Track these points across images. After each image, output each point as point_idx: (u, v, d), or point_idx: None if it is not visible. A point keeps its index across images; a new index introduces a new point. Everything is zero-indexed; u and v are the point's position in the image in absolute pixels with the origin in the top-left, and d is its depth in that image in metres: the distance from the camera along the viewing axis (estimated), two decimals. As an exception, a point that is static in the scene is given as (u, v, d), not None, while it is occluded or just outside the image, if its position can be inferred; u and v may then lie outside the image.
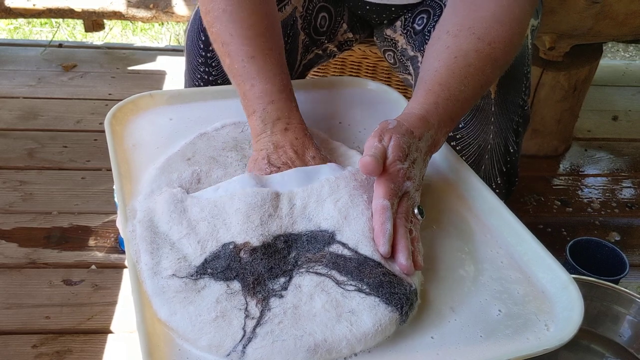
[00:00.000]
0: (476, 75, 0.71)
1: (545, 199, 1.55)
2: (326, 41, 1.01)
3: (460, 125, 0.84)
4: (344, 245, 0.61)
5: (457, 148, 0.86)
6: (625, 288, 0.94)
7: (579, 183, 1.62)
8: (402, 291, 0.56)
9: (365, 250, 0.60)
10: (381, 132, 0.64)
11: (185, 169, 0.70)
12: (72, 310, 1.17)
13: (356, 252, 0.60)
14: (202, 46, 0.89)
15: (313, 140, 0.72)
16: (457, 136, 0.85)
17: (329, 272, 0.58)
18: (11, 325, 1.13)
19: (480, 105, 0.83)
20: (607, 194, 1.59)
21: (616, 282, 1.08)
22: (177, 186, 0.68)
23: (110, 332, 1.14)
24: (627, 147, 1.78)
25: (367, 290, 0.57)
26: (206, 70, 0.90)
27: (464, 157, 0.86)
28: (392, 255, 0.61)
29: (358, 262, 0.59)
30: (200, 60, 0.90)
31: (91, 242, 1.32)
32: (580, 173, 1.67)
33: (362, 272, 0.58)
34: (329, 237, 0.61)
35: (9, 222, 1.35)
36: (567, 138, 1.72)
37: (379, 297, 0.56)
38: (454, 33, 0.73)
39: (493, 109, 0.83)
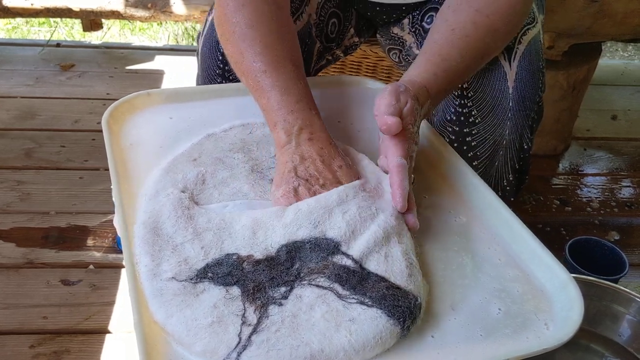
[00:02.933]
0: (475, 45, 0.75)
1: (545, 199, 1.55)
2: (335, 47, 1.01)
3: (477, 121, 0.84)
4: (347, 256, 0.60)
5: (473, 143, 0.86)
6: (625, 287, 0.94)
7: (578, 182, 1.62)
8: (406, 304, 0.56)
9: (370, 264, 0.59)
10: (396, 93, 0.66)
11: (191, 169, 0.70)
12: (70, 310, 1.16)
13: (360, 265, 0.59)
14: (220, 58, 0.87)
15: (338, 149, 0.71)
16: (474, 131, 0.85)
17: (331, 285, 0.57)
18: (8, 325, 1.13)
19: (498, 101, 0.83)
20: (606, 194, 1.58)
21: (615, 281, 1.08)
22: (181, 187, 0.67)
23: (108, 332, 1.13)
24: (626, 147, 1.77)
25: (370, 302, 0.56)
26: (223, 82, 0.89)
27: (477, 153, 0.86)
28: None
29: (361, 277, 0.58)
30: (217, 72, 0.89)
31: (89, 242, 1.31)
32: (579, 172, 1.66)
33: (364, 286, 0.57)
34: (334, 247, 0.60)
35: (6, 222, 1.34)
36: (566, 137, 1.71)
37: (381, 309, 0.55)
38: (454, 8, 0.78)
39: (510, 104, 0.83)
